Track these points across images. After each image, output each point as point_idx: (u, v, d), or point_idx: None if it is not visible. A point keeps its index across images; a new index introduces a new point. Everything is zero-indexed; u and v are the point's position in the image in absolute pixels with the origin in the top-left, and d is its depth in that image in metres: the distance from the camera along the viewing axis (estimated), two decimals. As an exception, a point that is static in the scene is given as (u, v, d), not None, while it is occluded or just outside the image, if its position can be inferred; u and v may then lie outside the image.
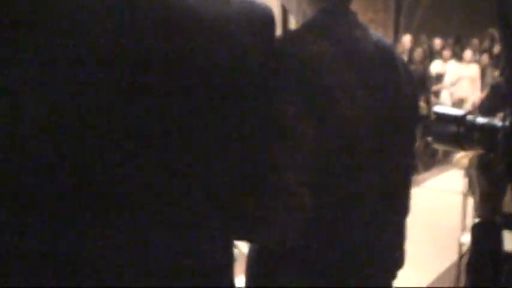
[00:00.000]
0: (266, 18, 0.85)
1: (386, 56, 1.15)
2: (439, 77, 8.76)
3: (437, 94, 8.70)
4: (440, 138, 1.24)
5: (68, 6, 0.63)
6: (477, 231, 1.18)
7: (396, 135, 1.15)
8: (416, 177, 6.34)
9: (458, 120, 1.20)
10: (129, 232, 0.71)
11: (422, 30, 10.50)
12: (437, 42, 9.60)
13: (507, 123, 1.14)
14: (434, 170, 6.98)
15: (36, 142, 0.63)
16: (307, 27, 1.09)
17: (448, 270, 3.95)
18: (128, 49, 0.67)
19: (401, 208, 1.23)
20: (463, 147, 1.22)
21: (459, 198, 3.91)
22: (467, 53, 8.76)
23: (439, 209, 5.26)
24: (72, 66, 0.63)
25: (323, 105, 1.00)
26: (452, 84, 8.68)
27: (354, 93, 1.04)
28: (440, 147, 1.25)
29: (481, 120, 1.19)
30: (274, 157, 0.96)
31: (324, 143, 1.00)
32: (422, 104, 7.44)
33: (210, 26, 0.74)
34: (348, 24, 1.10)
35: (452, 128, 1.20)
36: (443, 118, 1.23)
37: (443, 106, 1.32)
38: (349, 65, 1.05)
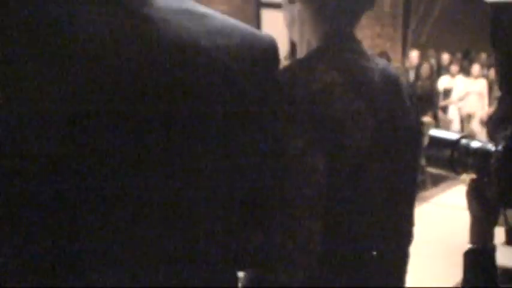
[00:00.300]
0: (268, 49, 0.83)
1: (392, 84, 1.15)
2: (447, 92, 8.76)
3: (445, 109, 8.69)
4: (434, 162, 1.23)
5: (70, 17, 0.66)
6: (469, 258, 1.16)
7: (401, 161, 1.15)
8: (424, 193, 6.32)
9: (452, 144, 1.20)
10: (128, 240, 0.71)
11: (430, 45, 10.52)
12: (445, 57, 9.60)
13: (500, 148, 1.13)
14: (442, 186, 6.96)
15: (39, 143, 0.64)
16: (314, 56, 1.09)
17: (457, 285, 3.93)
18: (123, 74, 0.68)
19: (406, 235, 1.22)
20: (456, 172, 1.21)
21: (467, 214, 3.88)
22: (475, 68, 8.76)
23: (448, 225, 5.24)
24: (72, 76, 0.65)
25: (333, 136, 1.00)
26: (460, 99, 8.68)
27: (364, 122, 1.04)
28: (434, 171, 1.25)
29: (475, 144, 1.19)
30: (283, 191, 0.95)
31: (333, 173, 1.00)
32: (429, 119, 7.44)
33: (208, 57, 0.74)
34: (354, 53, 1.10)
35: (446, 152, 1.20)
36: (437, 142, 1.23)
37: (438, 130, 1.30)
38: (358, 95, 1.05)
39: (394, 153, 1.11)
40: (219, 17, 0.79)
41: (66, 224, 0.67)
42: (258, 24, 6.90)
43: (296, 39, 1.19)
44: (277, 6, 7.13)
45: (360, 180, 1.05)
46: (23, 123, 0.63)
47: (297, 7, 1.15)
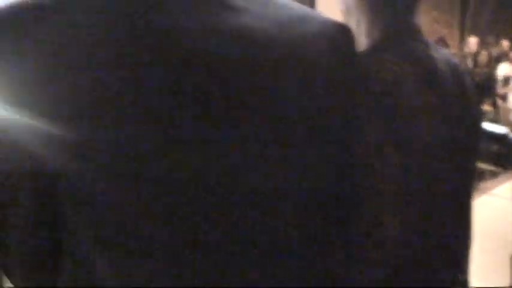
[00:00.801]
0: (343, 36, 0.81)
1: (456, 74, 1.11)
2: (507, 80, 8.51)
3: (504, 98, 8.44)
4: (482, 156, 1.20)
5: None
6: None
7: (464, 153, 1.12)
8: (484, 184, 6.17)
9: (500, 138, 1.14)
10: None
11: (490, 32, 10.21)
12: (505, 43, 9.32)
13: None
14: (501, 177, 6.78)
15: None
16: (380, 47, 1.06)
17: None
18: (190, 70, 0.65)
19: (469, 228, 1.19)
20: (504, 167, 1.20)
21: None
22: (537, 55, 8.47)
23: (509, 216, 5.10)
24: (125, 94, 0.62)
25: (405, 129, 0.98)
26: (521, 87, 8.42)
27: (434, 114, 1.01)
28: (482, 166, 1.18)
29: None
30: (358, 187, 0.93)
31: (406, 168, 0.97)
32: (488, 107, 7.24)
33: (290, 48, 0.72)
34: (419, 43, 1.07)
35: (494, 147, 1.14)
36: (484, 136, 1.16)
37: (487, 123, 1.26)
38: (428, 85, 1.02)
39: (460, 147, 1.08)
40: (295, 5, 0.78)
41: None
42: (312, 6, 6.83)
43: (354, 28, 1.14)
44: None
45: (429, 175, 1.02)
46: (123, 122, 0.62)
47: None
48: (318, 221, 0.79)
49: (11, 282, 0.68)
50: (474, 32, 9.59)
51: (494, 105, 7.65)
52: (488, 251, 3.81)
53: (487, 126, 1.22)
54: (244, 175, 0.69)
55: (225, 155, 0.67)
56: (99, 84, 0.61)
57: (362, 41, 1.12)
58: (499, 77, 8.36)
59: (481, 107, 7.27)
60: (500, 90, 8.30)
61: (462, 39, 9.68)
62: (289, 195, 0.74)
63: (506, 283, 3.82)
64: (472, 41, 8.38)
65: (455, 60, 1.17)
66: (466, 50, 8.41)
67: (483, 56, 7.88)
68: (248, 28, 0.69)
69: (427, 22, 9.08)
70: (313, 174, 0.76)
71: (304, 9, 0.79)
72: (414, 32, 1.08)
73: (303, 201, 0.76)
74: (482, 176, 6.30)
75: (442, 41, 7.61)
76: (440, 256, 1.08)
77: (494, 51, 9.00)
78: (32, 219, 0.63)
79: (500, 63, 8.70)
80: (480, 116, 1.21)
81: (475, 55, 8.03)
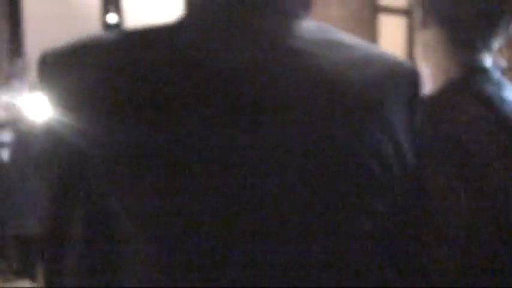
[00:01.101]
0: (412, 78, 0.77)
1: None
2: None
3: None
4: None
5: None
6: None
7: None
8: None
9: None
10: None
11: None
12: None
13: None
14: None
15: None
16: (456, 87, 1.04)
17: None
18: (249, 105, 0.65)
19: None
20: None
21: None
22: None
23: None
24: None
25: (477, 174, 0.95)
26: None
27: (506, 159, 0.98)
28: None
29: None
30: (421, 231, 0.92)
31: (475, 215, 0.95)
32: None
33: (353, 90, 0.69)
34: (494, 84, 1.05)
35: None
36: None
37: None
38: (503, 130, 1.00)
39: None
40: (362, 46, 0.75)
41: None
42: (374, 29, 6.38)
43: (430, 66, 1.12)
44: (395, 11, 6.31)
45: (497, 221, 0.97)
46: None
47: (431, 32, 1.10)
48: (370, 256, 0.75)
49: (60, 284, 0.69)
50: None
51: None
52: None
53: None
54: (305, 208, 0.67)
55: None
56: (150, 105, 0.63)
57: (437, 78, 1.10)
58: None
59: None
60: None
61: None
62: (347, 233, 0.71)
63: None
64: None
65: None
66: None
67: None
68: (314, 73, 0.68)
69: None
70: (376, 215, 0.73)
71: (369, 48, 0.76)
72: (490, 72, 1.06)
73: (359, 240, 0.72)
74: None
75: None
76: None
77: None
78: (89, 221, 0.66)
79: None
80: None
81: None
